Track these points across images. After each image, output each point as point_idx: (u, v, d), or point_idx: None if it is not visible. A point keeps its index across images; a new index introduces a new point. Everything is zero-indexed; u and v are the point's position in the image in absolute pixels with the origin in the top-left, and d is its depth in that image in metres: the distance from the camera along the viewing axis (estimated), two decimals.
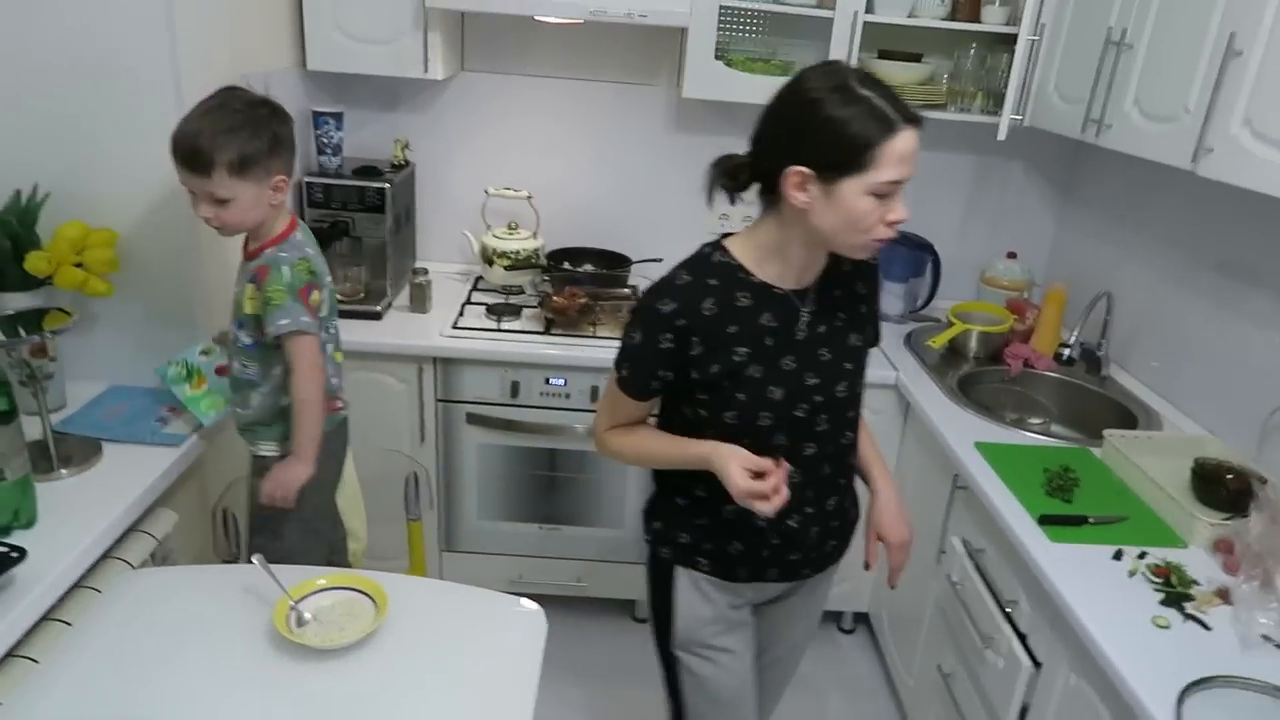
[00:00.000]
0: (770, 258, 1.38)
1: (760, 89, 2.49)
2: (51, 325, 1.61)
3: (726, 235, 1.42)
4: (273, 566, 1.40)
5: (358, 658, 1.30)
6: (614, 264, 2.72)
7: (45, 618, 1.33)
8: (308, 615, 1.34)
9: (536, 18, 2.50)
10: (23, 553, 1.27)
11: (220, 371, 1.81)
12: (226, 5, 2.00)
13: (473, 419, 2.43)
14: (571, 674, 2.53)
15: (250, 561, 1.41)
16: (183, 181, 1.54)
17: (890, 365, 2.41)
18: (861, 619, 2.80)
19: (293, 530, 1.73)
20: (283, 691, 1.25)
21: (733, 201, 1.37)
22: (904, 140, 1.21)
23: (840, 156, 1.22)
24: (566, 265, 2.70)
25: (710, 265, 1.39)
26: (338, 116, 2.55)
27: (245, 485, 1.78)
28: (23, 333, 1.59)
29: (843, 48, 2.36)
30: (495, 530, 2.57)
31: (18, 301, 1.75)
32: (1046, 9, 2.29)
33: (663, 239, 2.77)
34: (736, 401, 1.37)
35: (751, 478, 1.30)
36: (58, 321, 1.61)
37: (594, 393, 2.39)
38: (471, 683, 1.29)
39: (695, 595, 1.52)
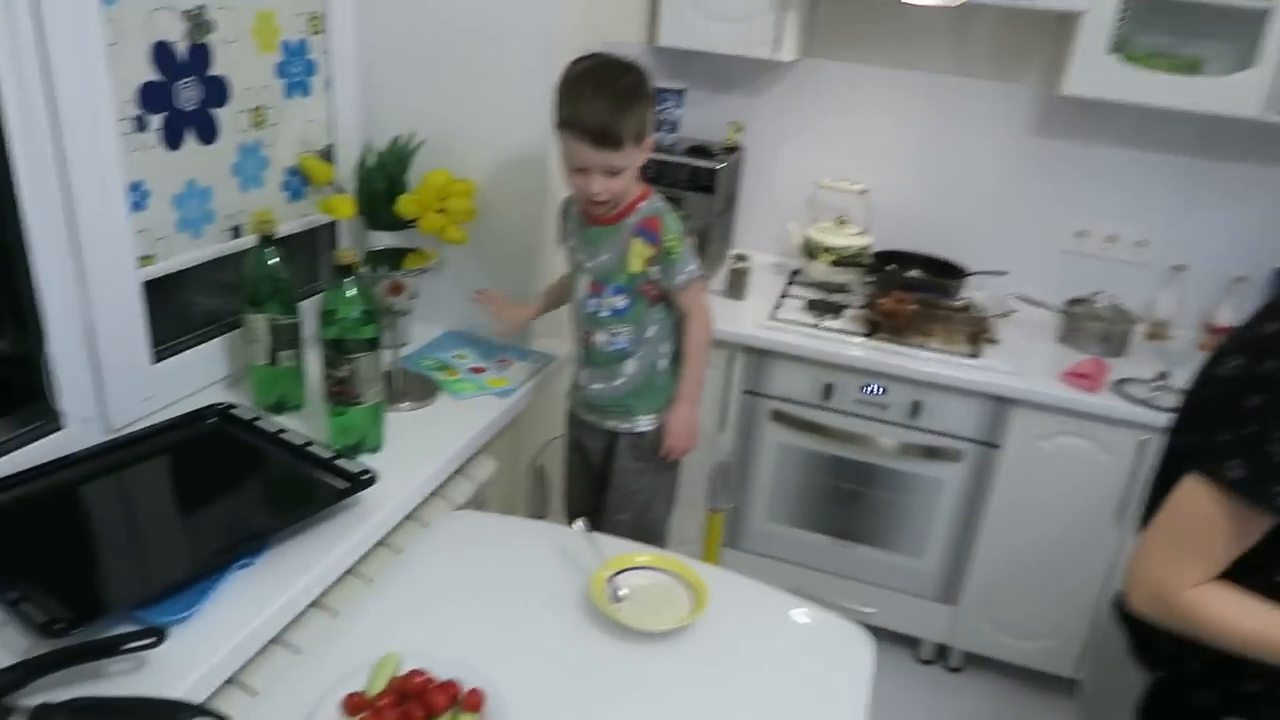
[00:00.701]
0: None
1: (1167, 90, 2.20)
2: (415, 264, 1.67)
3: None
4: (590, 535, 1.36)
5: (668, 646, 1.22)
6: (945, 273, 2.49)
7: (379, 541, 1.37)
8: (624, 591, 1.28)
9: (906, 1, 2.32)
10: (373, 480, 1.31)
11: (475, 371, 1.81)
12: None
13: (777, 416, 2.31)
14: None
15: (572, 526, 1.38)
16: (581, 158, 1.53)
17: None
18: None
19: (660, 503, 1.74)
20: (588, 661, 1.20)
21: None
22: None
23: None
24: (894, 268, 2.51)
25: None
26: (680, 93, 2.53)
27: (563, 453, 1.79)
28: (384, 269, 1.67)
29: (1276, 48, 1.97)
30: (783, 535, 2.44)
31: (384, 240, 1.85)
32: None
33: (1006, 252, 2.52)
34: None
35: None
36: (422, 260, 1.67)
37: (915, 408, 2.19)
38: (791, 704, 1.16)
39: None
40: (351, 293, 1.39)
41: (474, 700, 1.04)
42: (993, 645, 2.39)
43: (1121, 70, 2.09)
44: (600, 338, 1.68)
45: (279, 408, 1.58)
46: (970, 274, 2.46)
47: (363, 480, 1.30)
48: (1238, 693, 1.09)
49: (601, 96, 1.50)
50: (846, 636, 1.29)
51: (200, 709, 0.84)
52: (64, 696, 0.86)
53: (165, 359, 1.54)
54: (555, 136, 1.58)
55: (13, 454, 1.29)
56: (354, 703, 1.04)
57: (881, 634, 2.51)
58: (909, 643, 2.52)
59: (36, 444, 1.32)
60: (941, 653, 2.52)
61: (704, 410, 2.30)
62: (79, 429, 1.38)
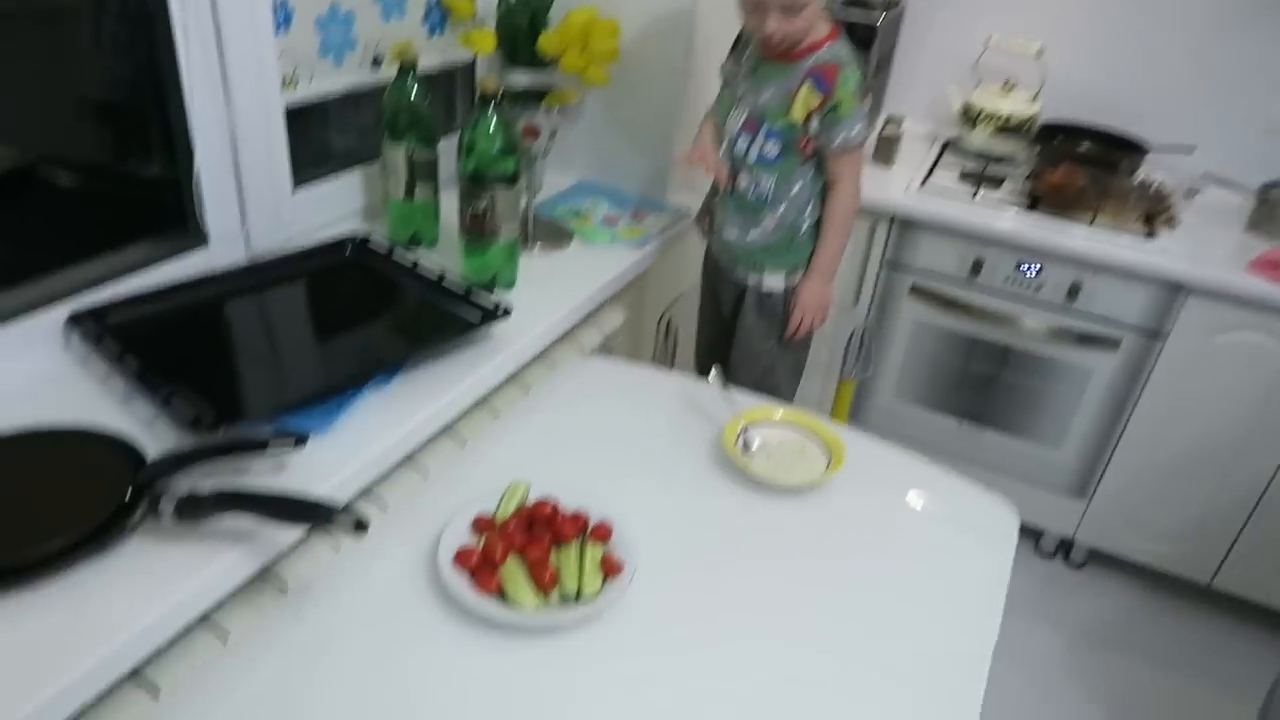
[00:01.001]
0: None
1: None
2: (557, 101, 1.61)
3: None
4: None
5: (799, 502, 1.18)
6: (1123, 150, 2.26)
7: (509, 378, 1.36)
8: (756, 444, 1.24)
9: None
10: (508, 311, 1.29)
11: (609, 221, 1.75)
12: None
13: (917, 291, 2.19)
14: None
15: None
16: None
17: None
18: None
19: (785, 369, 1.69)
20: (717, 510, 1.17)
21: None
22: None
23: None
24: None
25: None
26: None
27: (698, 299, 1.73)
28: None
29: None
30: (908, 414, 2.35)
31: (522, 80, 1.78)
32: None
33: (1196, 126, 2.27)
34: None
35: None
36: (564, 99, 1.61)
37: (1072, 290, 2.03)
38: (924, 572, 1.11)
39: None
40: (492, 125, 1.34)
41: (602, 531, 1.03)
42: (1123, 544, 2.27)
43: None
44: (743, 181, 1.59)
45: (413, 243, 1.57)
46: (1152, 150, 2.22)
47: (497, 313, 1.28)
48: None
49: None
50: (988, 508, 1.22)
51: (343, 509, 0.84)
52: (211, 486, 0.88)
53: (304, 187, 1.54)
54: None
55: (162, 267, 1.32)
56: (483, 523, 1.04)
57: None
58: (1031, 535, 2.42)
59: (183, 260, 1.35)
60: (1065, 547, 2.42)
61: (839, 281, 2.22)
62: (223, 249, 1.40)
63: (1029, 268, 2.05)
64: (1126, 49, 2.30)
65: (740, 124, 1.57)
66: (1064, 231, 2.00)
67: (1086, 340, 2.06)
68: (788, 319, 1.68)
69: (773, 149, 1.53)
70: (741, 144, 1.57)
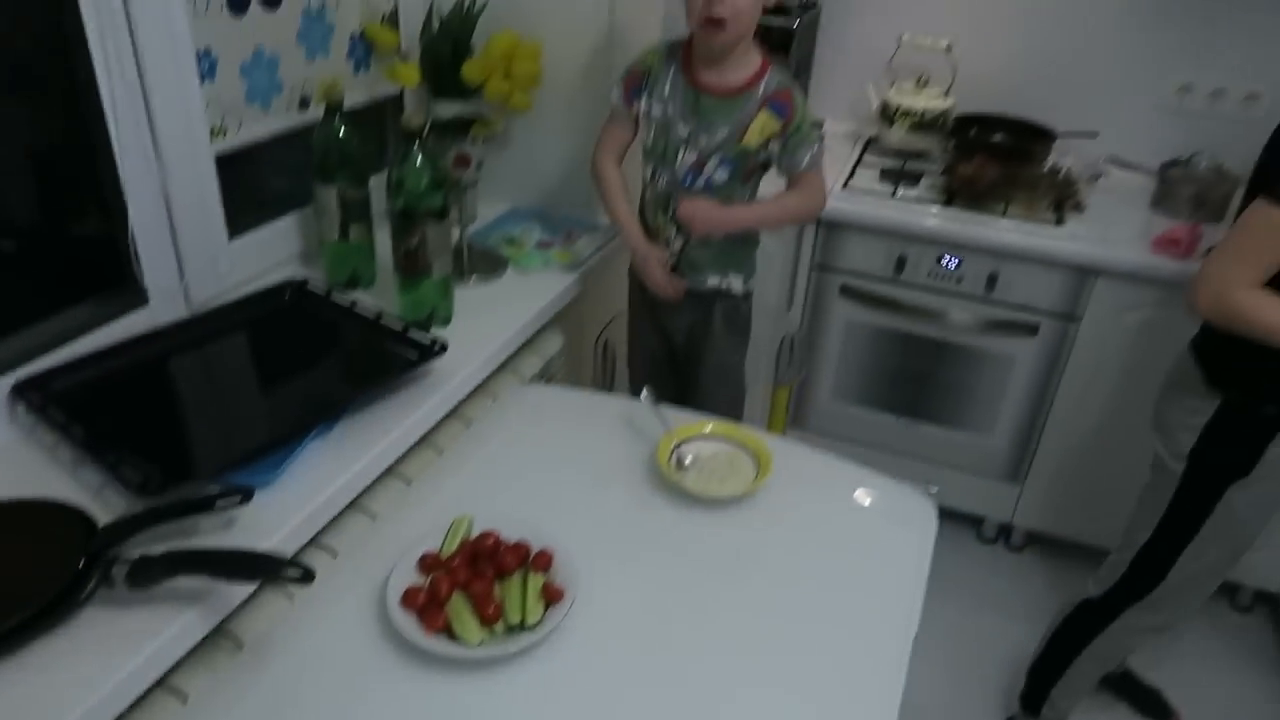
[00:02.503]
0: None
1: None
2: (479, 132, 1.65)
3: None
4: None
5: (731, 513, 1.24)
6: (1030, 136, 2.36)
7: (450, 413, 1.41)
8: (689, 459, 1.30)
9: None
10: (445, 348, 1.33)
11: (542, 245, 1.80)
12: None
13: (847, 291, 2.27)
14: None
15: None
16: None
17: None
18: (1265, 599, 2.37)
19: (735, 381, 1.73)
20: (653, 526, 1.22)
21: None
22: None
23: None
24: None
25: None
26: None
27: (673, 324, 1.78)
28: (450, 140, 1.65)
29: None
30: (848, 414, 2.43)
31: (450, 110, 1.81)
32: None
33: (1099, 111, 2.37)
34: None
35: None
36: (485, 129, 1.65)
37: (991, 280, 2.12)
38: (851, 570, 1.18)
39: None
40: (418, 161, 1.38)
41: (543, 560, 1.08)
42: (1057, 524, 2.38)
43: None
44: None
45: (351, 284, 1.61)
46: (1058, 136, 2.33)
47: (434, 350, 1.33)
48: None
49: None
50: (909, 504, 1.29)
51: (290, 561, 0.89)
52: (161, 550, 0.91)
53: (241, 236, 1.56)
54: None
55: (102, 329, 1.33)
56: (428, 562, 1.09)
57: (945, 514, 2.50)
58: (972, 522, 2.53)
59: (124, 320, 1.37)
60: (1004, 532, 2.52)
61: (772, 286, 2.29)
62: (163, 305, 1.42)
63: (949, 261, 2.14)
64: (1031, 39, 2.40)
65: (690, 165, 1.56)
66: (979, 223, 2.10)
67: (1007, 328, 2.16)
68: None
69: (722, 174, 1.55)
70: (688, 180, 1.57)
